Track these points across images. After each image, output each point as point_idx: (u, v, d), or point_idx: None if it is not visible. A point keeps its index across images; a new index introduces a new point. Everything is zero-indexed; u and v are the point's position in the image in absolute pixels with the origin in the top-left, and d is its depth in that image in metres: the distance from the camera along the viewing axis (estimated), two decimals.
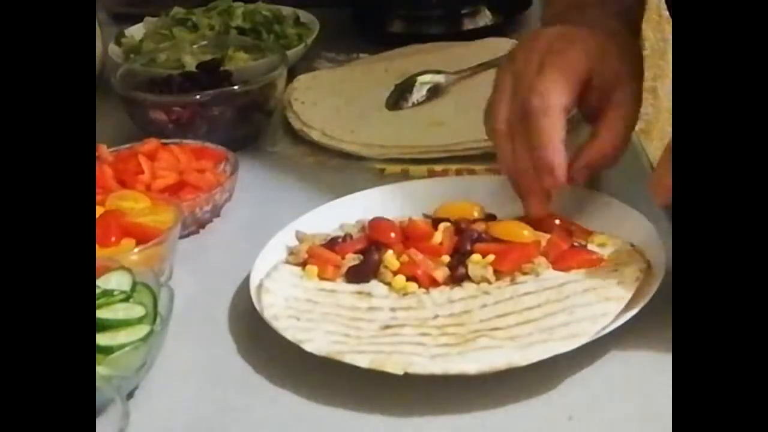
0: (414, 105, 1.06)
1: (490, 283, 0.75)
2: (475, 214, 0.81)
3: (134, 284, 0.72)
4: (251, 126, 1.04)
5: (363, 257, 0.78)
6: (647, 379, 0.67)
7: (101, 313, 0.68)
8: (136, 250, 0.78)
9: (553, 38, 0.77)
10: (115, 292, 0.70)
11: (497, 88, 0.78)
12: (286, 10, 1.27)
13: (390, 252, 0.77)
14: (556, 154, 0.73)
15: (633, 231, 0.77)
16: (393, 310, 0.74)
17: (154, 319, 0.71)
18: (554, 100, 0.73)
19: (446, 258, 0.77)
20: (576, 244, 0.77)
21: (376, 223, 0.80)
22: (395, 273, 0.76)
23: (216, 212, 0.91)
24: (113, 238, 0.79)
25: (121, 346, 0.67)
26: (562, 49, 0.76)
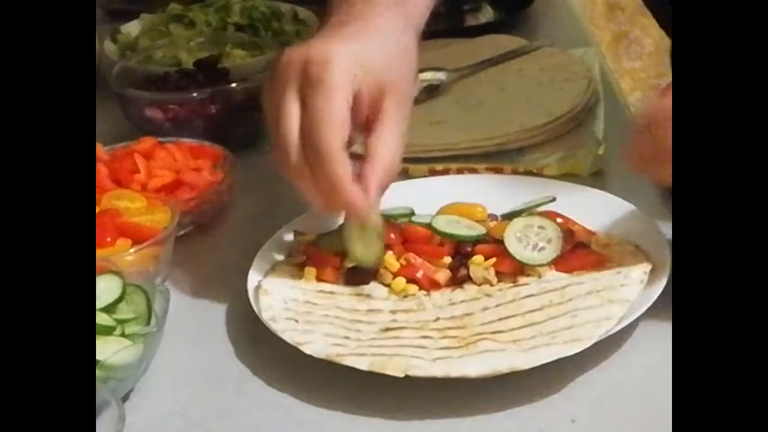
0: (414, 102, 1.04)
1: (491, 285, 0.74)
2: (478, 215, 0.80)
3: (125, 287, 0.71)
4: (249, 124, 1.03)
5: None
6: (650, 382, 0.67)
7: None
8: (131, 250, 0.78)
9: (306, 62, 0.71)
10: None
11: (280, 121, 0.72)
12: (284, 7, 1.26)
13: (390, 253, 0.76)
14: (350, 195, 0.70)
15: (637, 232, 0.76)
16: (393, 312, 0.73)
17: (149, 321, 0.70)
18: (334, 147, 0.70)
19: (447, 259, 0.76)
20: (579, 244, 0.76)
21: None
22: (395, 275, 0.76)
23: (213, 212, 0.90)
24: (109, 239, 0.79)
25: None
26: (324, 82, 0.70)
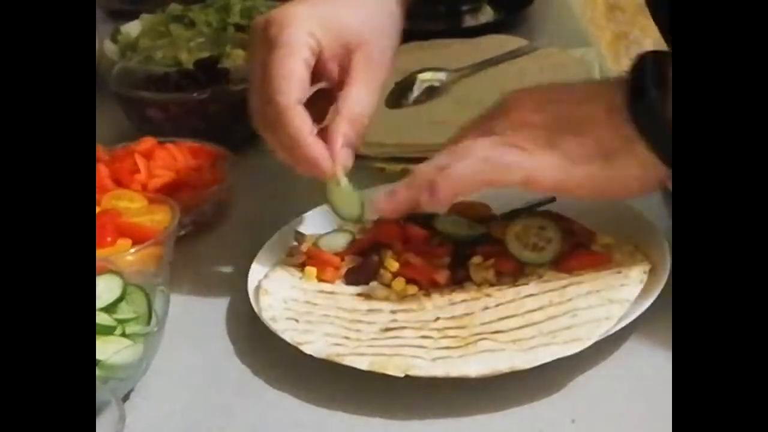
0: (414, 103, 1.05)
1: (491, 285, 0.74)
2: (482, 214, 0.80)
3: (125, 287, 0.71)
4: (249, 124, 1.03)
5: (363, 259, 0.77)
6: (650, 381, 0.66)
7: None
8: (132, 250, 0.78)
9: (267, 24, 0.74)
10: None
11: (251, 82, 0.76)
12: None
13: (390, 253, 0.76)
14: (310, 149, 0.72)
15: (637, 232, 0.76)
16: (393, 312, 0.73)
17: (149, 321, 0.70)
18: (289, 102, 0.72)
19: (447, 259, 0.76)
20: (579, 244, 0.76)
21: (380, 222, 0.79)
22: (395, 275, 0.76)
23: (213, 212, 0.90)
24: (109, 239, 0.79)
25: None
26: (283, 43, 0.73)
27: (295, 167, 0.75)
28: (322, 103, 0.76)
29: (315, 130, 0.74)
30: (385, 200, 0.73)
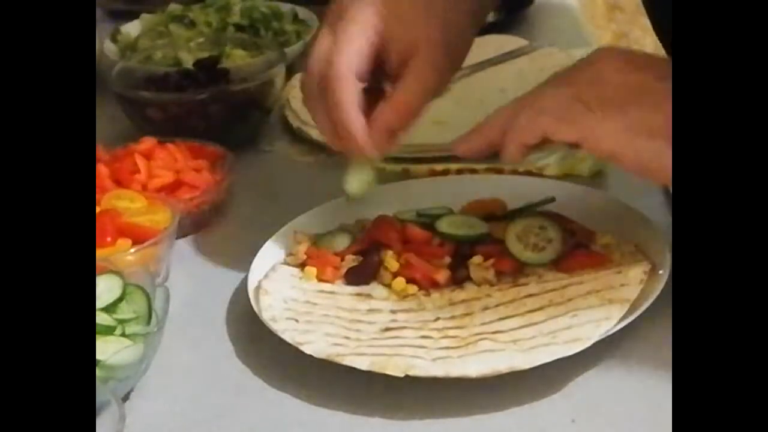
0: None
1: (492, 285, 0.74)
2: (498, 210, 0.81)
3: (125, 287, 0.71)
4: (249, 124, 1.03)
5: (363, 259, 0.77)
6: (650, 381, 0.66)
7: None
8: (132, 250, 0.78)
9: (349, 2, 0.77)
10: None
11: (311, 50, 0.79)
12: (284, 7, 1.26)
13: (390, 253, 0.76)
14: (351, 120, 0.74)
15: (637, 232, 0.76)
16: (393, 312, 0.73)
17: (149, 321, 0.70)
18: (343, 69, 0.74)
19: (447, 259, 0.76)
20: (579, 244, 0.76)
21: (380, 222, 0.79)
22: (395, 275, 0.76)
23: (213, 212, 0.90)
24: (109, 239, 0.79)
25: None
26: (353, 17, 0.75)
27: (330, 142, 0.78)
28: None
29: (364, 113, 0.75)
30: (461, 141, 0.76)
